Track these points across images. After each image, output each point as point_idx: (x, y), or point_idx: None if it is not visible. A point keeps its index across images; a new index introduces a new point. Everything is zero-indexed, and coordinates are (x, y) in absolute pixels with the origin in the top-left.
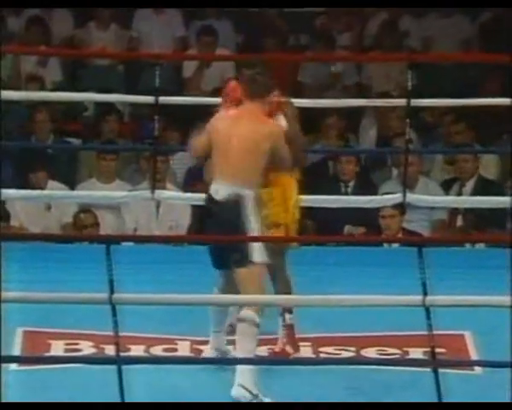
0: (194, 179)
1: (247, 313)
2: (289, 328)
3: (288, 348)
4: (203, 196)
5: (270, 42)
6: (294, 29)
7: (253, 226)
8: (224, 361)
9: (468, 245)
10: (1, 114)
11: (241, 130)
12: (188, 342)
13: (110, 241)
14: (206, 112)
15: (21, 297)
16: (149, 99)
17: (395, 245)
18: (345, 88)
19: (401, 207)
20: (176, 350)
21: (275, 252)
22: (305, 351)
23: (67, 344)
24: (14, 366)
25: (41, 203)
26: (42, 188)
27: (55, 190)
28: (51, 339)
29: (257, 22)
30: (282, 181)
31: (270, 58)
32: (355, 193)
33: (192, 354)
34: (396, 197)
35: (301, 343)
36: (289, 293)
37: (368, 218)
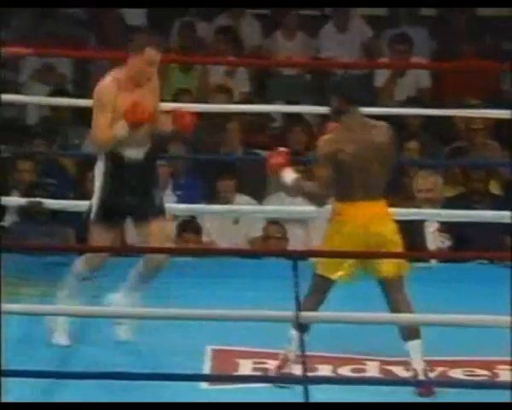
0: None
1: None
2: None
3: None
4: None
5: (468, 48)
6: (496, 35)
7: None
8: (416, 383)
9: None
10: None
11: None
12: (377, 363)
13: (297, 257)
14: (399, 122)
15: (208, 315)
16: None
17: None
18: None
19: None
20: (364, 371)
21: None
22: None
23: (255, 363)
24: (204, 385)
25: (229, 217)
26: (230, 200)
27: (243, 204)
28: (239, 358)
29: (453, 27)
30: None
31: (467, 66)
32: None
33: (381, 375)
34: None
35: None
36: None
37: None
